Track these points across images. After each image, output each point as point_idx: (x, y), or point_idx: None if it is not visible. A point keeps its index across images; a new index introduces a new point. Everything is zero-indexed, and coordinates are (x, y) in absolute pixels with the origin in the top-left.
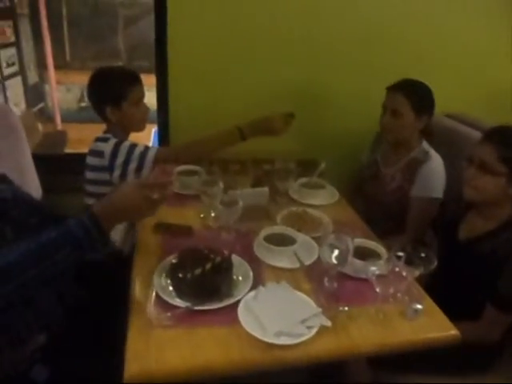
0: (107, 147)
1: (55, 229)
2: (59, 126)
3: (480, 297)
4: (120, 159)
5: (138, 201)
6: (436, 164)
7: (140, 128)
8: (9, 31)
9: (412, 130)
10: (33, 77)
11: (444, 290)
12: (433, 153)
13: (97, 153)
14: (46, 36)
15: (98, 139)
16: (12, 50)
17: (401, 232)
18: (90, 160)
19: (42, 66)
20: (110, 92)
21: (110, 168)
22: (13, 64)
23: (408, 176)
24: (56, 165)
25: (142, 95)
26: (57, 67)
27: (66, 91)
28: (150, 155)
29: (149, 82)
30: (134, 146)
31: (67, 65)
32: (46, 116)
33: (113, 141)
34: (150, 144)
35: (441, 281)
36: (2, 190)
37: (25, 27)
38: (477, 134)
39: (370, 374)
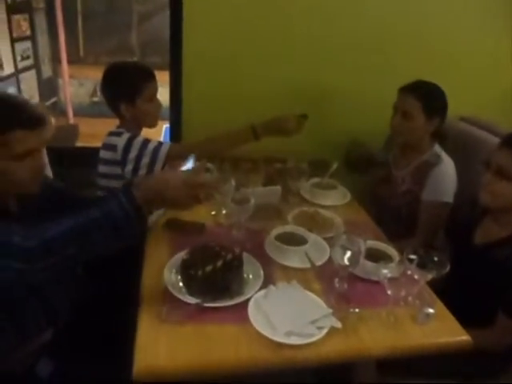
0: (120, 141)
1: (97, 208)
2: (71, 120)
3: (492, 303)
4: (133, 153)
5: (180, 194)
6: (447, 168)
7: (153, 124)
8: (25, 25)
9: (423, 133)
10: (47, 71)
11: (456, 295)
12: (444, 156)
13: (110, 147)
14: (61, 30)
15: (112, 133)
16: (27, 44)
17: (411, 236)
18: (103, 154)
19: (56, 60)
20: (125, 88)
21: (122, 162)
22: (27, 57)
23: (418, 179)
24: (67, 158)
25: (156, 91)
26: (70, 62)
27: (79, 86)
28: (163, 151)
29: (162, 79)
30: (147, 141)
31: (81, 59)
32: (58, 110)
33: (126, 135)
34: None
35: (453, 286)
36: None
37: (40, 21)
38: (491, 138)
39: (378, 377)
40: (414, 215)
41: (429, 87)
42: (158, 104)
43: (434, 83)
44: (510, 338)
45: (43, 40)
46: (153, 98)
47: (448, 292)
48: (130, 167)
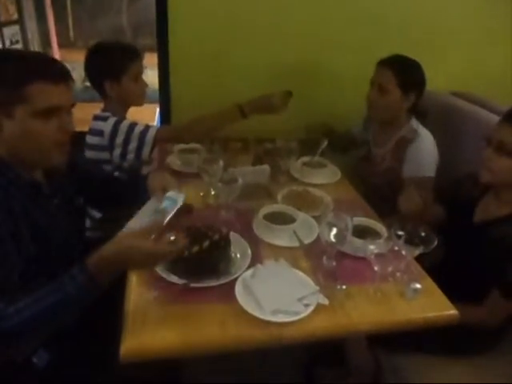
0: (107, 126)
1: (53, 293)
2: None
3: (487, 281)
4: (120, 138)
5: (143, 264)
6: (425, 142)
7: (139, 103)
8: (12, 8)
9: (398, 108)
10: None
11: (453, 272)
12: (422, 131)
13: (97, 132)
14: (50, 13)
15: (97, 118)
16: (15, 28)
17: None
18: (90, 139)
19: (45, 44)
20: (110, 66)
21: (110, 147)
22: (17, 42)
23: (397, 156)
24: None
25: (142, 70)
26: (60, 46)
27: (71, 70)
28: (150, 134)
29: (153, 61)
30: (133, 124)
31: (71, 43)
32: None
33: (112, 120)
34: (155, 124)
35: (450, 263)
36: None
37: (28, 4)
38: (483, 113)
39: (370, 354)
40: (396, 192)
41: (405, 62)
42: (144, 83)
43: (412, 58)
44: (499, 315)
45: (32, 24)
46: (138, 77)
47: (445, 269)
48: (117, 152)
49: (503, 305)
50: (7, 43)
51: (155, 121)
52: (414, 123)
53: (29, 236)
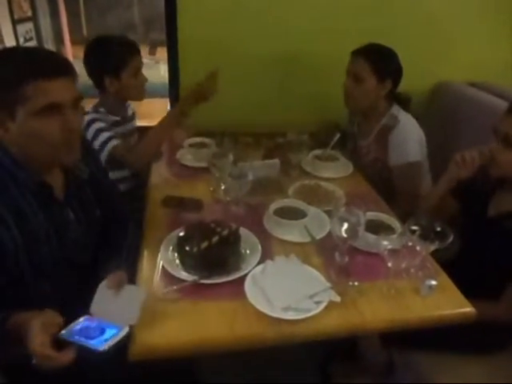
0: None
1: None
2: None
3: (503, 277)
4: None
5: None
6: (406, 127)
7: (139, 98)
8: (26, 5)
9: (375, 96)
10: None
11: (468, 267)
12: (402, 116)
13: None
14: (62, 10)
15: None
16: (29, 25)
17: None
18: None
19: (59, 40)
20: (110, 61)
21: None
22: (30, 39)
23: (381, 145)
24: None
25: (141, 65)
26: (74, 42)
27: (83, 66)
28: (107, 148)
29: (166, 56)
30: (100, 131)
31: (84, 39)
32: None
33: (94, 127)
34: None
35: (466, 258)
36: (82, 170)
37: (41, 1)
38: (502, 104)
39: (383, 351)
40: (388, 182)
41: (379, 50)
42: (143, 78)
43: (386, 46)
44: None
45: (45, 21)
46: (137, 72)
47: (460, 265)
48: None
49: None
50: (21, 40)
51: None
52: (395, 110)
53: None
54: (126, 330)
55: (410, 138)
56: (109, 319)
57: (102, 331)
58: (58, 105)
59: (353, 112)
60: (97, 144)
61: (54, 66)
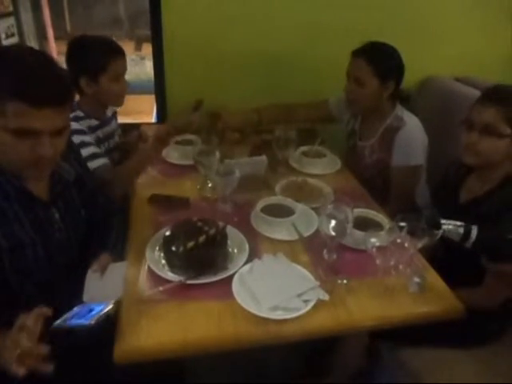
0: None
1: None
2: None
3: (479, 263)
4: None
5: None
6: (412, 129)
7: (117, 103)
8: (7, 0)
9: (378, 98)
10: None
11: (444, 257)
12: (408, 117)
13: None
14: (45, 5)
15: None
16: (10, 20)
17: (385, 204)
18: (75, 138)
19: (42, 36)
20: (88, 62)
21: None
22: (12, 35)
23: (386, 146)
24: None
25: (123, 70)
26: (57, 38)
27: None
28: (91, 165)
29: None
30: (84, 144)
31: (68, 35)
32: None
33: (77, 139)
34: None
35: (442, 248)
36: (67, 171)
37: None
38: None
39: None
40: (386, 183)
41: (380, 49)
42: (124, 84)
43: (387, 44)
44: (497, 295)
45: (27, 16)
46: (119, 77)
47: (436, 256)
48: None
49: (499, 280)
50: (2, 36)
51: (153, 113)
52: (399, 110)
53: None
54: (111, 303)
55: (415, 140)
56: (101, 300)
57: (91, 310)
58: (34, 131)
59: (356, 113)
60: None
61: (45, 95)
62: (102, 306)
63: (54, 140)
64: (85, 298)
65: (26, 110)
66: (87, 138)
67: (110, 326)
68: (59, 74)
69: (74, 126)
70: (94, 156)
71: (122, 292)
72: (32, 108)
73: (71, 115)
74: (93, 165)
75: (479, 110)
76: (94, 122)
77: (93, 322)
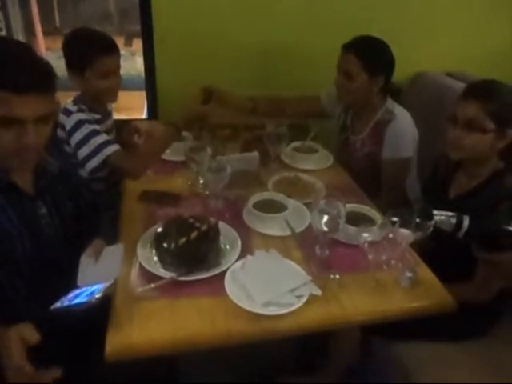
0: (69, 121)
1: None
2: None
3: (469, 257)
4: (76, 138)
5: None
6: (402, 122)
7: (110, 99)
8: None
9: (368, 92)
10: None
11: (434, 253)
12: (398, 111)
13: (61, 125)
14: (33, 0)
15: (63, 111)
16: None
17: (377, 197)
18: (59, 132)
19: (30, 32)
20: (75, 56)
21: (68, 143)
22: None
23: (376, 139)
24: None
25: (114, 67)
26: (46, 33)
27: (57, 58)
28: (106, 151)
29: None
30: (96, 133)
31: (57, 30)
32: None
33: (75, 117)
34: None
35: (433, 243)
36: (52, 164)
37: None
38: None
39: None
40: (377, 176)
41: (370, 44)
42: (114, 81)
43: (378, 38)
44: (488, 288)
45: (15, 10)
46: (108, 74)
47: (427, 251)
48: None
49: (490, 273)
50: None
51: (144, 108)
52: (390, 104)
53: None
54: (109, 283)
55: (405, 133)
56: (96, 282)
57: (90, 291)
58: (18, 119)
59: (347, 106)
60: (87, 150)
61: (29, 80)
62: (100, 285)
63: (38, 128)
64: (79, 281)
65: (8, 97)
66: (97, 127)
67: (105, 308)
68: (39, 60)
69: (82, 116)
70: (107, 143)
71: (119, 272)
72: (14, 95)
73: (75, 107)
74: (107, 151)
75: (463, 105)
76: (97, 116)
77: (98, 297)
